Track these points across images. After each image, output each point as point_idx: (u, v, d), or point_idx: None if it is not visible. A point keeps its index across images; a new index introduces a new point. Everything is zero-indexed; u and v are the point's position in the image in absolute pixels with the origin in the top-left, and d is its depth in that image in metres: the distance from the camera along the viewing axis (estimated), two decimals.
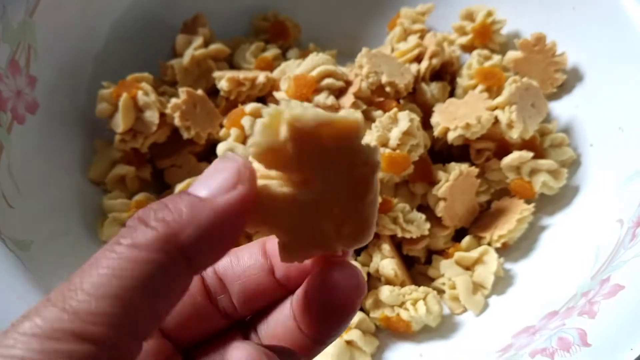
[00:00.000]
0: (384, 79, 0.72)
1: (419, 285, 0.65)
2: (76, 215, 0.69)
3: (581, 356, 0.46)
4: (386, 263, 0.65)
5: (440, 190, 0.67)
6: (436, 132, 0.71)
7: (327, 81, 0.71)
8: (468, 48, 0.83)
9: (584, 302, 0.52)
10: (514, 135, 0.68)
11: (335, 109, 0.70)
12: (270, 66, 0.82)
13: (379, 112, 0.71)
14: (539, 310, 0.58)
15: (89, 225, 0.69)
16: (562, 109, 0.76)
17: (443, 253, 0.70)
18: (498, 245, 0.68)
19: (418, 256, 0.70)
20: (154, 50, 0.82)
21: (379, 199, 0.64)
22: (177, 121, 0.71)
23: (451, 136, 0.69)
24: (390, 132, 0.66)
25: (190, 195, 0.28)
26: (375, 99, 0.73)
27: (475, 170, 0.69)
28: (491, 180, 0.72)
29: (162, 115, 0.72)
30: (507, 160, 0.69)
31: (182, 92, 0.72)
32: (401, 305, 0.63)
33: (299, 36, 0.91)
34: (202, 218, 0.26)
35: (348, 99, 0.71)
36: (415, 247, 0.69)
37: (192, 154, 0.76)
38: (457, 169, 0.68)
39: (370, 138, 0.67)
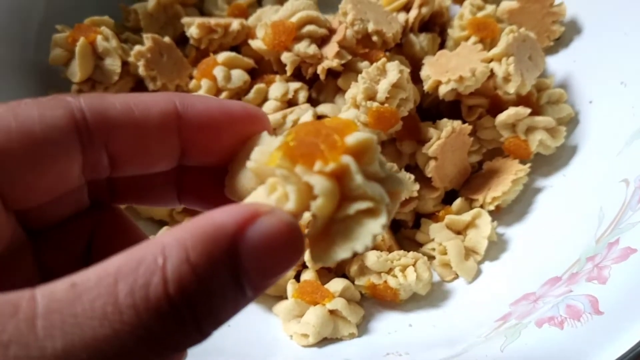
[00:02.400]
0: (371, 27, 0.66)
1: (407, 251, 0.60)
2: None
3: (594, 325, 0.42)
4: None
5: (431, 148, 0.62)
6: (426, 86, 0.65)
7: (309, 28, 0.64)
8: None
9: (591, 267, 0.48)
10: (511, 89, 0.62)
11: (318, 58, 0.64)
12: (244, 13, 0.75)
13: (365, 63, 0.65)
14: (537, 277, 0.54)
15: None
16: (559, 64, 0.71)
17: (432, 216, 0.65)
18: (491, 208, 0.63)
19: (405, 220, 0.65)
20: None
21: None
22: (141, 70, 0.64)
23: (442, 90, 0.64)
24: (377, 85, 0.60)
25: None
26: (361, 49, 0.67)
27: (468, 127, 0.64)
28: (483, 139, 0.67)
29: (125, 63, 0.64)
30: (502, 117, 0.64)
31: (147, 38, 0.65)
32: (389, 272, 0.58)
33: None
34: None
35: (331, 48, 0.64)
36: (402, 210, 0.64)
37: None
38: (449, 125, 0.63)
39: (355, 91, 0.61)
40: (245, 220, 0.23)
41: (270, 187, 0.25)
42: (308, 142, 0.25)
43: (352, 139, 0.25)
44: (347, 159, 0.24)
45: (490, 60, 0.64)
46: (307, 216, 0.25)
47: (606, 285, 0.44)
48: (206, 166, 0.32)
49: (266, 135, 0.30)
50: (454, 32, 0.72)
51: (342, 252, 0.24)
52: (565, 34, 0.71)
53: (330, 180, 0.24)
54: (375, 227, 0.24)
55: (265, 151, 0.27)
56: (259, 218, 0.23)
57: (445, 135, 0.62)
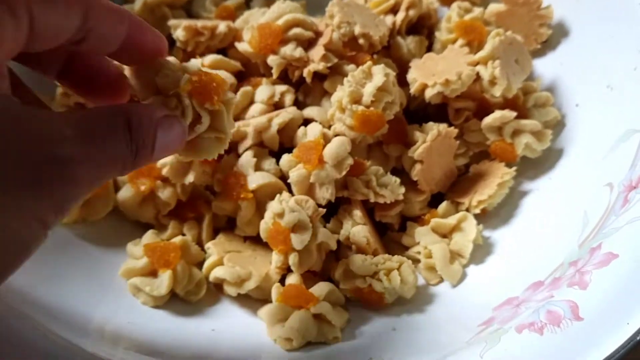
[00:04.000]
0: (357, 30, 0.66)
1: (392, 254, 0.60)
2: None
3: (573, 331, 0.42)
4: (357, 230, 0.60)
5: (417, 151, 0.62)
6: (413, 89, 0.65)
7: (295, 31, 0.64)
8: (446, 1, 0.77)
9: (573, 272, 0.48)
10: (497, 92, 0.63)
11: (304, 61, 0.64)
12: (232, 16, 0.74)
13: (351, 67, 0.65)
14: (521, 281, 0.54)
15: None
16: (545, 67, 0.71)
17: (418, 220, 0.65)
18: (477, 211, 0.63)
19: (391, 223, 0.65)
20: None
21: (351, 161, 0.59)
22: (127, 72, 0.63)
23: (429, 93, 0.64)
24: (363, 88, 0.60)
25: None
26: (347, 52, 0.67)
27: (454, 130, 0.64)
28: (470, 142, 0.67)
29: None
30: (489, 120, 0.64)
31: None
32: (374, 275, 0.58)
33: None
34: None
35: (317, 51, 0.64)
36: (388, 213, 0.64)
37: None
38: (434, 129, 0.63)
39: (341, 94, 0.61)
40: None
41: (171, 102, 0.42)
42: (204, 87, 0.43)
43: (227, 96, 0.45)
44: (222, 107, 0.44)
45: (477, 64, 0.64)
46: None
47: (587, 291, 0.44)
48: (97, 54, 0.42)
49: (172, 60, 0.45)
50: (441, 35, 0.72)
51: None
52: (552, 37, 0.72)
53: (209, 115, 0.43)
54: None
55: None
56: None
57: (431, 138, 0.62)
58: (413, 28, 0.74)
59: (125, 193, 0.62)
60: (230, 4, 0.75)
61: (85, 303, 0.56)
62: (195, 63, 0.46)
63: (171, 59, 0.45)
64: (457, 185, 0.67)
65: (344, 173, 0.59)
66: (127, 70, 0.44)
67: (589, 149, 0.62)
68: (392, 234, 0.66)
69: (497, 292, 0.55)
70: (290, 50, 0.64)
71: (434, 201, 0.66)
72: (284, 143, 0.64)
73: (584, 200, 0.57)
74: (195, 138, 0.44)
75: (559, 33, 0.71)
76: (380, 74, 0.61)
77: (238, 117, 0.65)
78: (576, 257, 0.50)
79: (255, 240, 0.63)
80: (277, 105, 0.66)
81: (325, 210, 0.59)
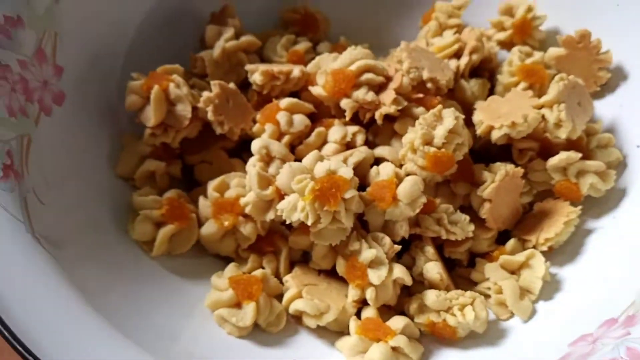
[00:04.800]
0: (426, 74, 0.69)
1: (462, 289, 0.63)
2: (105, 211, 0.66)
3: None
4: (431, 267, 0.63)
5: (486, 191, 0.65)
6: (479, 130, 0.68)
7: (367, 76, 0.68)
8: (506, 44, 0.80)
9: None
10: (562, 135, 0.65)
11: (376, 105, 0.68)
12: (302, 59, 0.79)
13: (420, 109, 0.68)
14: (593, 318, 0.56)
15: (118, 222, 0.66)
16: (605, 109, 0.74)
17: (486, 256, 0.68)
18: (544, 248, 0.65)
19: (460, 259, 0.68)
20: (182, 41, 0.79)
21: (424, 199, 0.62)
22: (210, 115, 0.68)
23: (495, 135, 0.67)
24: (434, 130, 0.64)
25: None
26: (415, 94, 0.71)
27: (520, 170, 0.67)
28: (534, 181, 0.70)
29: (194, 108, 0.69)
30: (554, 161, 0.66)
31: (215, 85, 0.69)
32: (447, 310, 0.60)
33: (328, 29, 0.88)
34: None
35: (388, 95, 0.68)
36: (457, 250, 0.67)
37: (223, 149, 0.73)
38: (502, 169, 0.66)
39: (413, 136, 0.64)
40: None
41: (301, 208, 0.58)
42: (325, 193, 0.57)
43: (347, 195, 0.58)
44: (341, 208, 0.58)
45: (542, 107, 0.67)
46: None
47: None
48: None
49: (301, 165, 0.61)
50: (503, 78, 0.75)
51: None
52: (611, 80, 0.74)
53: (330, 216, 0.57)
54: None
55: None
56: None
57: (499, 178, 0.65)
58: (475, 71, 0.78)
59: (209, 228, 0.66)
60: (300, 48, 0.80)
61: (173, 327, 0.60)
62: (322, 168, 0.59)
63: (299, 165, 0.61)
64: (523, 222, 0.69)
65: (417, 211, 0.62)
66: None
67: None
68: (460, 269, 0.69)
69: (569, 328, 0.57)
70: (363, 94, 0.67)
71: (500, 238, 0.69)
72: (358, 181, 0.67)
73: None
74: (321, 229, 0.58)
75: (618, 76, 0.74)
76: (450, 117, 0.64)
77: None
78: None
79: (329, 274, 0.66)
80: (349, 145, 0.69)
81: (400, 247, 0.62)
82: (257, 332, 0.62)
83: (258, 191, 0.62)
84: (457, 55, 0.76)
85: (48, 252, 0.53)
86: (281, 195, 0.62)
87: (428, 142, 0.64)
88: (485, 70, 0.78)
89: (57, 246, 0.55)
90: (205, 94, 0.69)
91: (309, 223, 0.58)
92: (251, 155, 0.66)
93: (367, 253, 0.61)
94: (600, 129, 0.70)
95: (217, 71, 0.76)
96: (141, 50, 0.75)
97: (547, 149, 0.70)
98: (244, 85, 0.76)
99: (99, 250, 0.61)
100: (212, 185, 0.67)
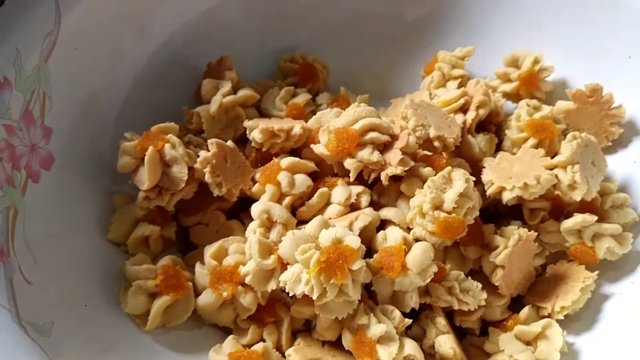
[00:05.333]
0: (432, 133, 0.66)
1: None
2: (95, 282, 0.62)
3: None
4: (444, 340, 0.59)
5: (499, 257, 0.62)
6: (489, 191, 0.65)
7: (372, 135, 0.65)
8: (512, 96, 0.78)
9: None
10: (577, 197, 0.62)
11: (381, 165, 0.64)
12: (302, 113, 0.76)
13: (427, 169, 0.65)
14: None
15: (109, 293, 0.62)
16: (617, 165, 0.71)
17: (500, 325, 0.64)
18: (560, 317, 0.62)
19: (472, 327, 0.64)
20: (176, 94, 0.76)
21: (435, 268, 0.59)
22: (207, 177, 0.64)
23: (507, 196, 0.64)
24: (444, 193, 0.61)
25: None
26: (421, 153, 0.68)
27: (534, 234, 0.64)
28: (547, 243, 0.67)
29: (190, 168, 0.65)
30: (569, 224, 0.64)
31: (212, 144, 0.66)
32: None
33: (327, 78, 0.86)
34: None
35: (394, 155, 0.65)
36: (469, 318, 0.63)
37: (221, 210, 0.70)
38: (515, 233, 0.63)
39: (422, 199, 0.61)
40: None
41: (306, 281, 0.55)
42: (330, 265, 0.54)
43: (354, 266, 0.55)
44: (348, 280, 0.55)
45: (554, 167, 0.64)
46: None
47: None
48: None
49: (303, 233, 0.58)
50: (512, 133, 0.72)
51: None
52: (623, 135, 0.72)
53: (336, 289, 0.55)
54: None
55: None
56: None
57: (512, 243, 0.62)
58: (480, 125, 0.75)
59: (206, 298, 0.62)
60: (300, 101, 0.77)
61: None
62: (327, 236, 0.56)
63: (302, 232, 0.58)
64: (536, 287, 0.66)
65: (428, 281, 0.59)
66: None
67: None
68: (472, 338, 0.65)
69: None
70: (368, 154, 0.64)
71: (512, 303, 0.66)
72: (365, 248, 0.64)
73: None
74: (327, 302, 0.55)
75: (631, 130, 0.71)
76: (461, 180, 0.61)
77: None
78: None
79: (334, 345, 0.62)
80: (353, 206, 0.66)
81: (411, 320, 0.59)
82: None
83: (259, 260, 0.59)
84: (463, 109, 0.73)
85: (35, 342, 0.49)
86: (283, 265, 0.59)
87: (438, 206, 0.61)
88: (491, 124, 0.76)
89: (44, 333, 0.51)
90: (202, 153, 0.65)
91: (315, 297, 0.55)
92: (250, 215, 0.63)
93: (377, 328, 0.57)
94: (615, 188, 0.68)
95: (214, 127, 0.72)
96: (135, 106, 0.72)
97: (560, 209, 0.67)
98: (242, 140, 0.73)
99: (89, 328, 0.57)
100: (209, 252, 0.64)
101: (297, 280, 0.56)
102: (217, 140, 0.67)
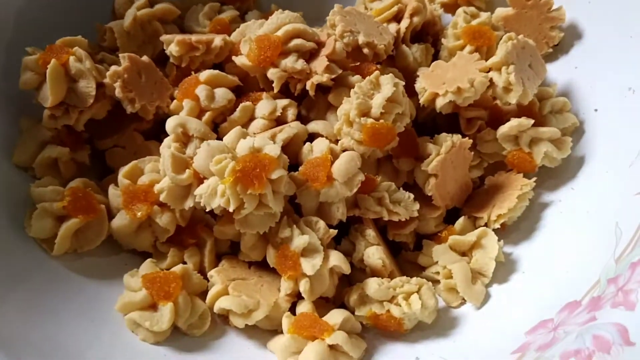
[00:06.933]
0: (361, 39, 0.62)
1: (408, 275, 0.56)
2: (0, 207, 0.57)
3: (626, 358, 0.38)
4: (372, 252, 0.56)
5: (431, 165, 0.58)
6: (422, 98, 0.62)
7: (296, 42, 0.60)
8: (450, 7, 0.74)
9: (615, 291, 0.44)
10: (512, 99, 0.59)
11: (307, 73, 0.60)
12: (227, 29, 0.71)
13: (356, 77, 0.61)
14: (553, 301, 0.50)
15: (16, 219, 0.57)
16: (559, 71, 0.68)
17: (434, 237, 0.61)
18: (497, 226, 0.59)
19: (406, 242, 0.61)
20: (89, 11, 0.70)
21: (362, 177, 0.55)
22: (118, 92, 0.59)
23: (440, 103, 0.60)
24: (371, 99, 0.57)
25: None
26: (351, 62, 0.64)
27: (469, 141, 0.60)
28: (484, 153, 0.64)
29: (101, 85, 0.60)
30: (505, 129, 0.60)
31: (124, 58, 0.61)
32: (391, 300, 0.53)
33: None
34: None
35: (320, 62, 0.60)
36: (402, 232, 0.60)
37: (138, 131, 0.65)
38: (448, 140, 0.59)
39: (348, 107, 0.57)
40: None
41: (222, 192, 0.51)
42: (247, 174, 0.50)
43: (274, 175, 0.51)
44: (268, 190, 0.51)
45: (489, 70, 0.61)
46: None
47: (635, 312, 0.40)
48: None
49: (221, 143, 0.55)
50: (448, 42, 0.68)
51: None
52: (564, 40, 0.68)
53: (255, 200, 0.51)
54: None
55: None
56: None
57: (445, 150, 0.58)
58: (417, 36, 0.71)
59: (120, 220, 0.58)
60: (225, 17, 0.72)
61: (79, 341, 0.51)
62: (245, 146, 0.52)
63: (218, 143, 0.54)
64: (473, 199, 0.63)
65: (354, 190, 0.55)
66: None
67: (613, 157, 0.59)
68: (406, 253, 0.62)
69: (527, 314, 0.51)
70: (292, 62, 0.60)
71: (449, 217, 0.63)
72: (289, 160, 0.60)
73: (613, 212, 0.54)
74: (246, 215, 0.52)
75: (572, 35, 0.68)
76: (389, 84, 0.57)
77: None
78: (614, 273, 0.47)
79: (261, 266, 0.59)
80: (279, 121, 0.62)
81: (337, 231, 0.55)
82: (178, 336, 0.55)
83: (173, 175, 0.54)
84: (397, 18, 0.69)
85: None
86: (200, 179, 0.55)
87: (365, 113, 0.57)
88: (428, 35, 0.72)
89: None
90: (113, 68, 0.60)
91: (231, 209, 0.51)
92: None
93: (299, 240, 0.53)
94: (555, 93, 0.64)
95: (129, 43, 0.67)
96: (37, 20, 0.66)
97: (497, 118, 0.64)
98: (162, 59, 0.68)
99: None
100: (122, 171, 0.59)
101: (213, 193, 0.52)
102: (130, 54, 0.61)
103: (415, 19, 0.67)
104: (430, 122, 0.68)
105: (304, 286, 0.53)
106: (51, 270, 0.56)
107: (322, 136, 0.60)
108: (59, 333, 0.51)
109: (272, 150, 0.52)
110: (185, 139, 0.58)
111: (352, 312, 0.55)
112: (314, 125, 0.61)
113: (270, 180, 0.52)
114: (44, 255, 0.57)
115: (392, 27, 0.68)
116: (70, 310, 0.54)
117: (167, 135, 0.59)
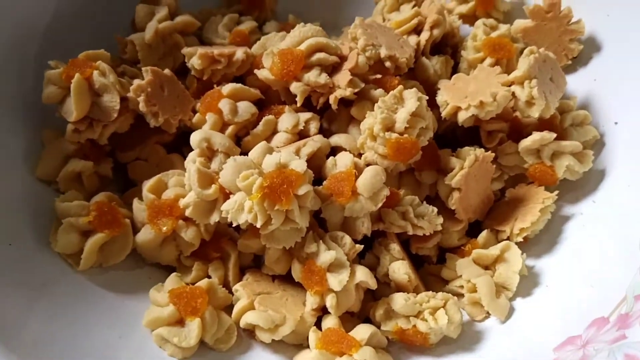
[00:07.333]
0: (383, 52, 0.62)
1: (431, 289, 0.57)
2: (23, 221, 0.57)
3: None
4: (398, 266, 0.56)
5: (455, 179, 0.59)
6: (444, 112, 0.62)
7: (318, 56, 0.60)
8: (468, 18, 0.74)
9: None
10: (535, 113, 0.59)
11: (329, 87, 0.60)
12: (247, 40, 0.71)
13: (379, 91, 0.61)
14: (579, 317, 0.50)
15: (39, 233, 0.57)
16: (578, 84, 0.68)
17: (457, 250, 0.61)
18: (519, 239, 0.59)
19: (429, 255, 0.62)
20: (111, 24, 0.70)
21: (387, 192, 0.55)
22: (142, 106, 0.60)
23: (462, 117, 0.61)
24: (395, 114, 0.57)
25: None
26: (372, 75, 0.64)
27: (491, 154, 0.61)
28: (505, 166, 0.64)
29: (123, 99, 0.60)
30: (527, 142, 0.61)
31: (146, 71, 0.61)
32: (418, 315, 0.54)
33: (275, 6, 0.81)
34: None
35: (343, 76, 0.60)
36: (426, 245, 0.60)
37: (160, 144, 0.65)
38: (471, 154, 0.59)
39: (372, 121, 0.57)
40: None
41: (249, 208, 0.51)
42: (274, 190, 0.50)
43: (300, 191, 0.51)
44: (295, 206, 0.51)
45: (511, 84, 0.61)
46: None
47: None
48: None
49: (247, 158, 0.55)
50: (468, 54, 0.68)
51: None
52: (583, 52, 0.69)
53: (282, 216, 0.51)
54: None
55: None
56: None
57: (468, 164, 0.59)
58: (436, 47, 0.71)
59: (145, 235, 0.58)
60: (244, 28, 0.72)
61: (105, 354, 0.51)
62: (271, 161, 0.52)
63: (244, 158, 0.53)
64: (495, 211, 0.63)
65: (380, 205, 0.55)
66: None
67: (635, 169, 0.59)
68: (429, 266, 0.62)
69: (552, 329, 0.51)
70: (315, 76, 0.60)
71: (471, 230, 0.63)
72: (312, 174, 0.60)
73: (637, 225, 0.54)
74: (273, 230, 0.52)
75: (591, 47, 0.68)
76: (412, 98, 0.57)
77: None
78: None
79: (284, 279, 0.59)
80: (302, 134, 0.62)
81: (362, 246, 0.56)
82: (205, 351, 0.55)
83: (199, 190, 0.54)
84: (417, 30, 0.69)
85: None
86: (226, 194, 0.55)
87: (389, 127, 0.57)
88: (447, 47, 0.72)
89: None
90: (136, 81, 0.60)
91: (259, 225, 0.51)
92: (192, 149, 0.58)
93: (326, 255, 0.54)
94: (575, 106, 0.65)
95: (150, 56, 0.67)
96: (61, 35, 0.66)
97: (518, 130, 0.64)
98: (182, 71, 0.68)
99: (17, 268, 0.53)
100: (147, 185, 0.59)
101: (240, 208, 0.52)
102: (152, 67, 0.62)
103: (436, 32, 0.68)
104: (450, 134, 0.68)
105: (330, 301, 0.53)
106: (75, 283, 0.56)
107: (344, 149, 0.61)
108: (84, 345, 0.51)
109: (299, 166, 0.52)
110: (209, 153, 0.58)
111: (378, 327, 0.55)
112: (337, 139, 0.62)
113: (297, 196, 0.52)
114: (68, 268, 0.57)
115: (412, 39, 0.68)
116: (95, 323, 0.54)
117: (188, 147, 0.59)
